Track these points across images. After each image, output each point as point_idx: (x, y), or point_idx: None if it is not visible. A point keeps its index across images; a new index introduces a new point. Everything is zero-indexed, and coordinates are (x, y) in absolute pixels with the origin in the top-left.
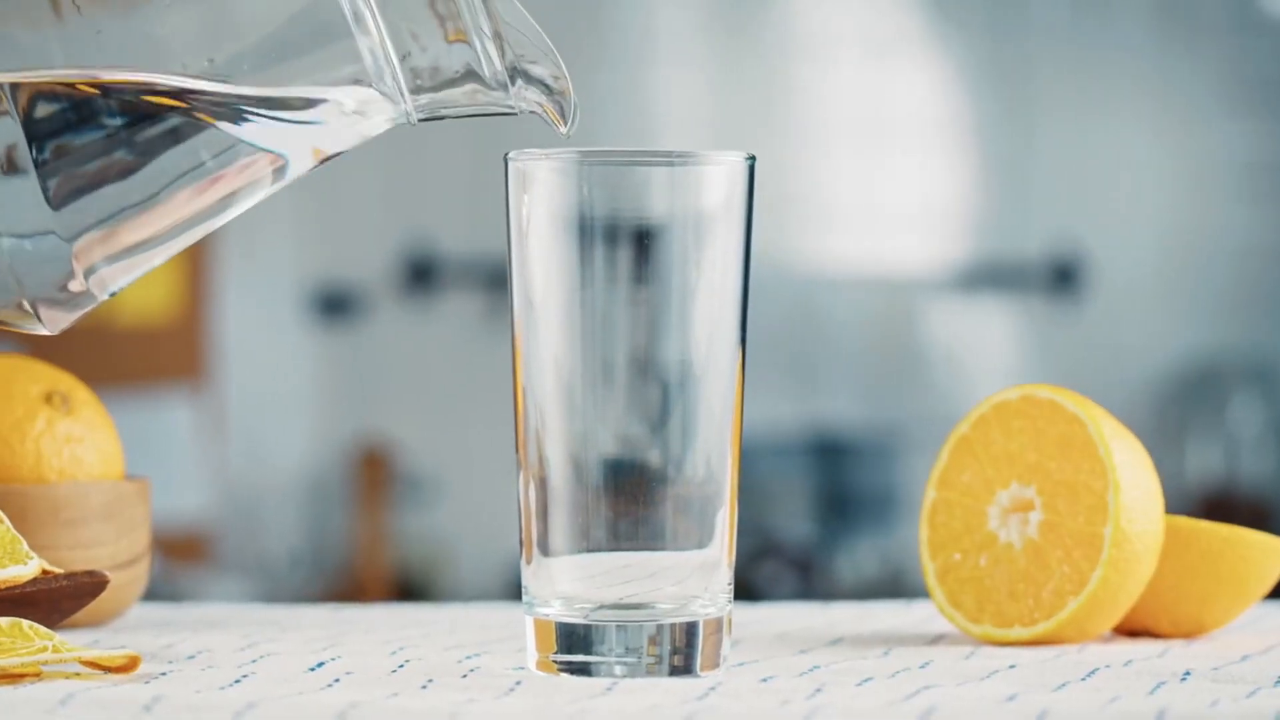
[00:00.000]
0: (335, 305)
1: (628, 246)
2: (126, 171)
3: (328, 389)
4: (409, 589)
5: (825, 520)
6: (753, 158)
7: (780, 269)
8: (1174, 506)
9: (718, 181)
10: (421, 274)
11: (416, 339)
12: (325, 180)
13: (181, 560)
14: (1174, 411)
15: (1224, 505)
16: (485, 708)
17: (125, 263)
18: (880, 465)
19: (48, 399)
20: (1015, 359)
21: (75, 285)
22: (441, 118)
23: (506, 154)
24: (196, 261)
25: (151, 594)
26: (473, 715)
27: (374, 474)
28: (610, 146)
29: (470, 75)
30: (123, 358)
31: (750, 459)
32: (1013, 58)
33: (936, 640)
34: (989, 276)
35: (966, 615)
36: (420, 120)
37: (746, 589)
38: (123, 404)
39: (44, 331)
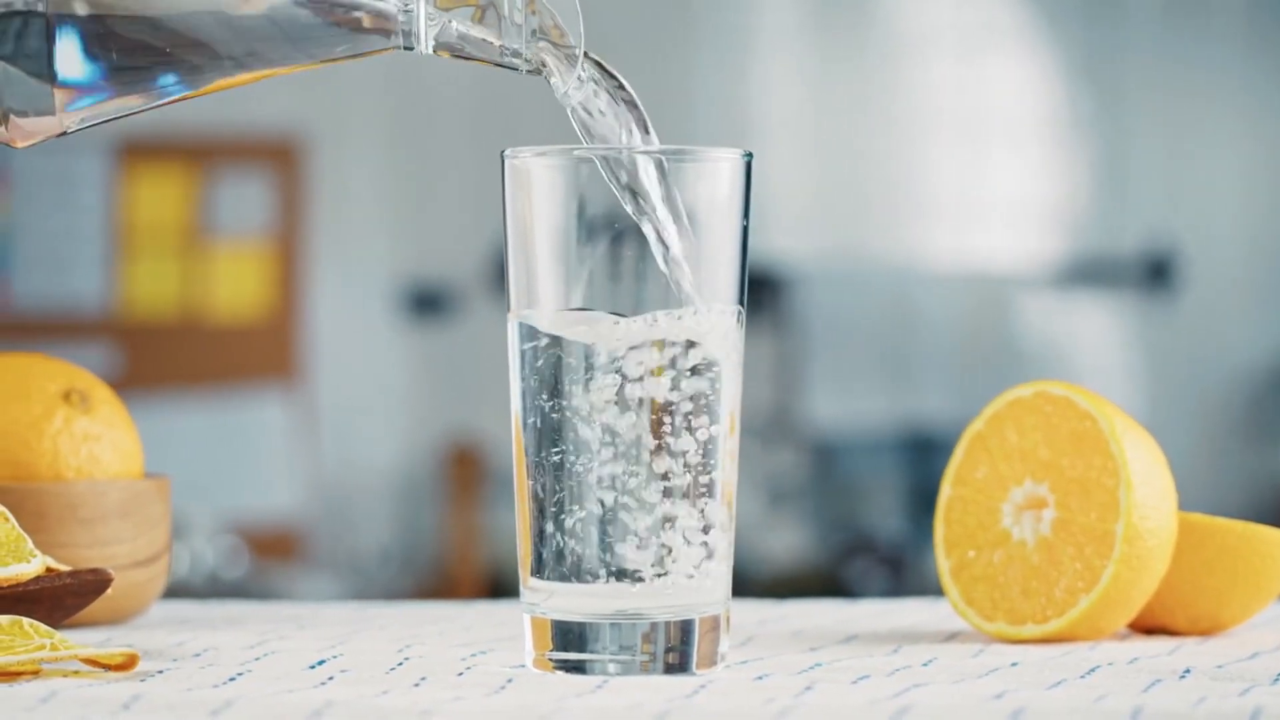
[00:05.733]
0: (427, 303)
1: (624, 243)
2: None
3: (419, 387)
4: (500, 586)
5: (917, 517)
6: (750, 154)
7: (876, 264)
8: (1267, 502)
9: (716, 178)
10: None
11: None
12: (417, 178)
13: (273, 558)
14: (1268, 407)
15: None
16: (466, 706)
17: (99, 80)
18: None
19: (66, 397)
20: (1110, 355)
21: (46, 88)
22: (452, 50)
23: (503, 151)
24: (288, 260)
25: (243, 592)
26: (447, 714)
27: (465, 471)
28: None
29: (489, 9)
30: (215, 357)
31: (842, 455)
32: (1108, 55)
33: (950, 638)
34: (1084, 273)
35: (980, 613)
36: (433, 45)
37: (838, 586)
38: (215, 403)
39: (7, 139)
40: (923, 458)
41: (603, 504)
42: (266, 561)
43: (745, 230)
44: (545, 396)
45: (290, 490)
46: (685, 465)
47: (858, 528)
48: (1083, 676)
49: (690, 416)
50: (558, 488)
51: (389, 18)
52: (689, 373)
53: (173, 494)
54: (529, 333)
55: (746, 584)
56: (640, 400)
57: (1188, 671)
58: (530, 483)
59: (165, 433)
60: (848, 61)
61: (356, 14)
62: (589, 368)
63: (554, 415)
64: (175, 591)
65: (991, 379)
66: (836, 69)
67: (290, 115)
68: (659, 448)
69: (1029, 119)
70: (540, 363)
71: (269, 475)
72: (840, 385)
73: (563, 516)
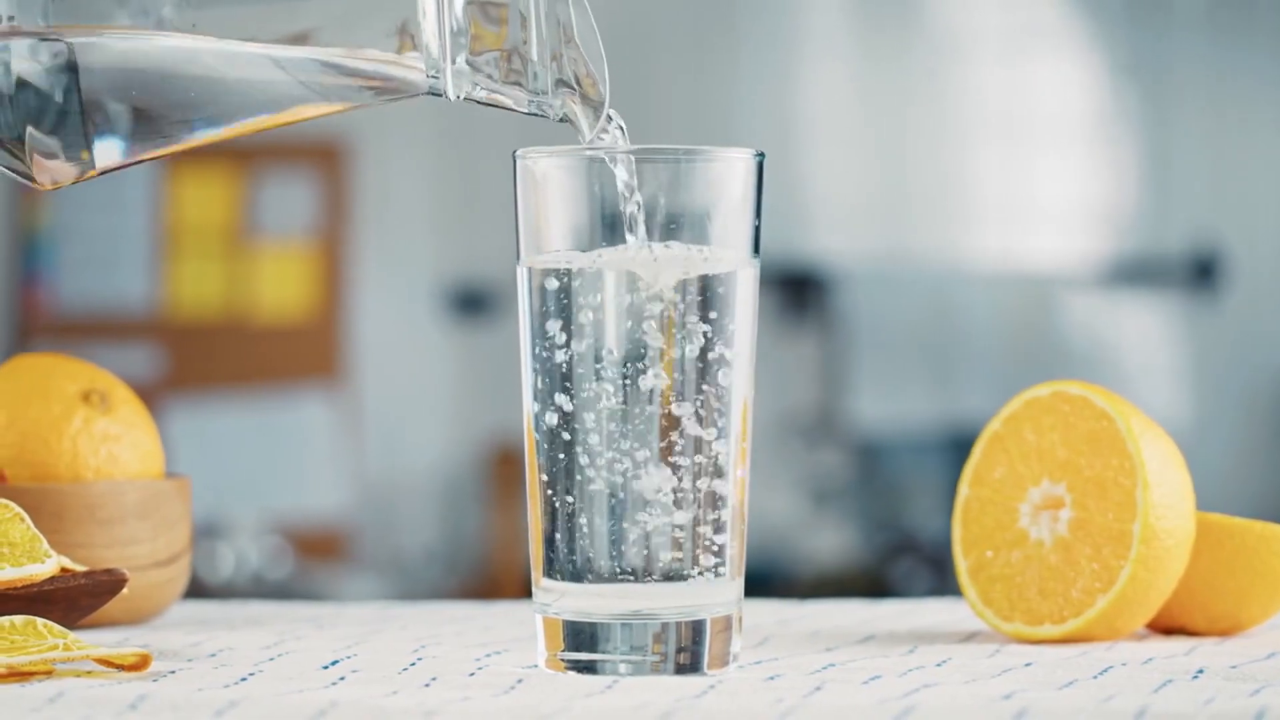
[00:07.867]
0: (471, 304)
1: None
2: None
3: (463, 387)
4: None
5: None
6: (762, 154)
7: (921, 265)
8: None
9: (728, 177)
10: None
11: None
12: (461, 179)
13: (318, 559)
14: None
15: None
16: (472, 706)
17: (128, 107)
18: None
19: (85, 397)
20: (1155, 355)
21: (76, 140)
22: (480, 100)
23: (515, 151)
24: (333, 261)
25: (287, 592)
26: (453, 714)
27: (508, 472)
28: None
29: (515, 55)
30: (260, 357)
31: (887, 455)
32: (1152, 55)
33: (968, 638)
34: (1128, 273)
35: (998, 613)
36: (465, 95)
37: (882, 586)
38: (260, 403)
39: (30, 181)
40: (967, 458)
41: (610, 494)
42: (311, 562)
43: (758, 230)
44: (555, 342)
45: (334, 491)
46: (694, 439)
47: (902, 528)
48: (1095, 677)
49: (701, 394)
50: (566, 473)
51: (415, 82)
52: (700, 316)
53: (217, 494)
54: (537, 273)
55: (790, 584)
56: (648, 354)
57: (1200, 672)
58: (539, 461)
59: (210, 433)
60: (892, 62)
61: (385, 84)
62: (596, 297)
63: (563, 370)
64: (218, 592)
65: (1036, 379)
66: (881, 70)
67: (334, 117)
68: (667, 417)
69: (1074, 119)
70: (550, 308)
71: (313, 476)
72: (885, 385)
73: (570, 497)
